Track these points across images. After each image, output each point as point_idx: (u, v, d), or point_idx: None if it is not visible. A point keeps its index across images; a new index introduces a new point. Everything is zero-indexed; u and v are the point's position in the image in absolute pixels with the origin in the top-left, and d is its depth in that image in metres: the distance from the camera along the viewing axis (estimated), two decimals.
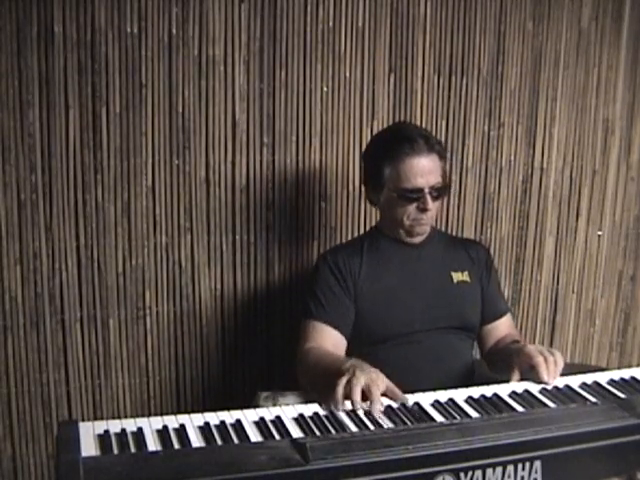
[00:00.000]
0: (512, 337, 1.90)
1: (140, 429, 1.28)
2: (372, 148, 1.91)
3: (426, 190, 1.78)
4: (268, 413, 1.38)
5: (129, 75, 2.04)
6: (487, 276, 1.96)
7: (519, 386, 1.58)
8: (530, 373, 1.61)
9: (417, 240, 1.88)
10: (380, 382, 1.44)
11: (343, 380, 1.43)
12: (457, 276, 1.90)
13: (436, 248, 1.93)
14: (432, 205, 1.79)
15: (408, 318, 1.82)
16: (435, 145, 1.80)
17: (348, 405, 1.41)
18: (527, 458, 1.22)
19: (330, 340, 1.77)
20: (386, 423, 1.36)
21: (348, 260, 1.85)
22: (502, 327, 1.95)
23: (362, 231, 2.34)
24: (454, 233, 2.45)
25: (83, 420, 1.29)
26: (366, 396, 1.42)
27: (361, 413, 1.38)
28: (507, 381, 1.63)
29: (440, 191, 1.82)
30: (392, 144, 1.81)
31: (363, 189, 2.00)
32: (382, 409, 1.40)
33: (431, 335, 1.83)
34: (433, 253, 1.92)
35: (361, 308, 1.83)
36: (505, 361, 1.72)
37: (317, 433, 1.30)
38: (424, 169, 1.77)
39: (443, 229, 2.45)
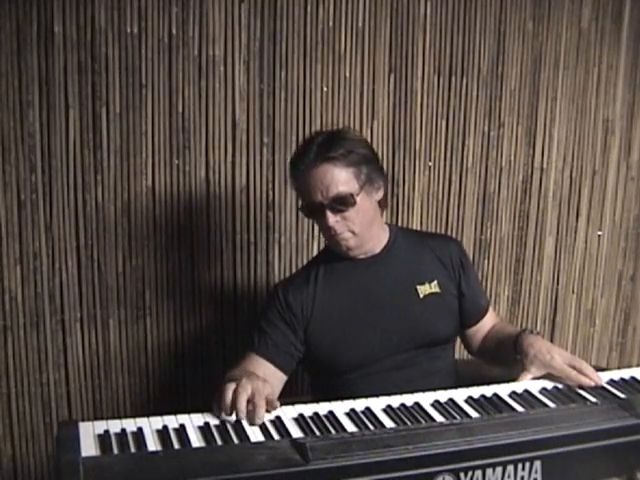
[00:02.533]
0: (502, 327, 1.83)
1: (140, 429, 1.28)
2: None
3: (325, 204, 1.61)
4: (268, 413, 1.38)
5: (129, 75, 2.05)
6: (465, 276, 1.80)
7: (519, 386, 1.58)
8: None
9: (357, 253, 1.71)
10: (264, 391, 1.40)
11: (231, 387, 1.37)
12: (424, 289, 1.74)
13: (396, 260, 1.75)
14: (337, 219, 1.62)
15: (370, 345, 1.69)
16: (331, 152, 1.60)
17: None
18: (527, 458, 1.22)
19: (263, 372, 1.62)
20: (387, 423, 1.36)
21: (300, 294, 1.71)
22: (488, 323, 1.86)
23: None
24: (453, 233, 2.45)
25: (83, 420, 1.29)
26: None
27: (244, 422, 1.34)
28: (506, 381, 1.63)
29: (345, 203, 1.61)
30: (293, 160, 1.69)
31: None
32: (263, 419, 1.35)
33: (398, 360, 1.70)
34: (393, 267, 1.74)
35: (317, 341, 1.70)
36: (517, 357, 1.65)
37: (317, 433, 1.30)
38: (316, 182, 1.60)
39: (443, 230, 2.46)
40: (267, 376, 1.60)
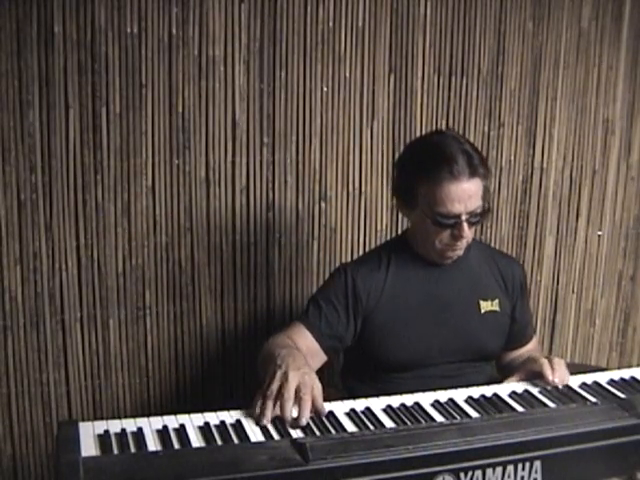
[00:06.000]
0: (529, 353, 1.83)
1: (140, 429, 1.28)
2: (408, 161, 1.71)
3: (463, 217, 1.60)
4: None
5: (129, 75, 2.04)
6: (520, 302, 1.83)
7: (519, 386, 1.58)
8: (538, 377, 1.60)
9: (448, 262, 1.73)
10: (311, 386, 1.38)
11: (274, 388, 1.36)
12: (486, 305, 1.76)
13: (468, 270, 1.77)
14: (468, 232, 1.62)
15: (424, 349, 1.71)
16: (479, 167, 1.60)
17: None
18: (527, 458, 1.22)
19: (307, 345, 1.64)
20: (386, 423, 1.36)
21: (370, 280, 1.71)
22: (524, 352, 1.86)
23: (362, 231, 2.35)
24: None
25: (83, 420, 1.29)
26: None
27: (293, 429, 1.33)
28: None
29: (479, 216, 1.64)
30: (430, 163, 1.61)
31: (395, 199, 1.81)
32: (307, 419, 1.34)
33: (447, 368, 1.72)
34: (464, 276, 1.76)
35: (375, 333, 1.70)
36: (514, 370, 1.71)
37: (317, 433, 1.30)
38: (463, 195, 1.58)
39: None
40: (309, 351, 1.62)
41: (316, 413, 1.37)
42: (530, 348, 1.88)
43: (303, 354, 1.56)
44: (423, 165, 1.63)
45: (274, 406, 1.35)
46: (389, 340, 1.70)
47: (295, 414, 1.34)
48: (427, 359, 1.71)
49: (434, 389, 1.59)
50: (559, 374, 1.57)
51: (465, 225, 1.61)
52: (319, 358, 1.67)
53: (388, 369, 1.72)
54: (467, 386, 1.64)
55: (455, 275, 1.76)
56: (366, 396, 1.51)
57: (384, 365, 1.72)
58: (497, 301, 1.78)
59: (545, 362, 1.59)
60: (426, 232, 1.67)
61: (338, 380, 1.90)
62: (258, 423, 1.33)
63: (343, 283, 1.71)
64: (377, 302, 1.71)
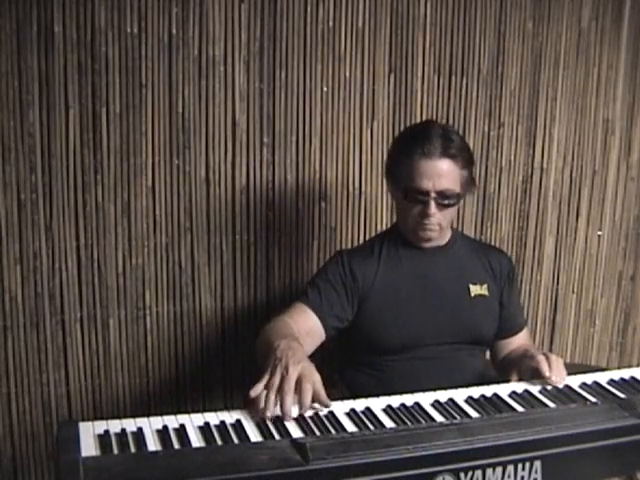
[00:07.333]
0: (525, 347, 1.85)
1: (140, 429, 1.28)
2: (395, 142, 1.85)
3: (432, 194, 1.68)
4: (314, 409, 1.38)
5: (129, 75, 2.04)
6: (508, 290, 1.88)
7: (519, 386, 1.58)
8: (536, 375, 1.60)
9: (427, 245, 1.80)
10: (311, 378, 1.39)
11: (275, 381, 1.37)
12: (475, 289, 1.82)
13: (456, 257, 1.84)
14: (435, 211, 1.69)
15: (418, 331, 1.76)
16: (455, 151, 1.69)
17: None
18: (527, 458, 1.22)
19: (309, 324, 1.69)
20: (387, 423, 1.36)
21: (364, 265, 1.79)
22: (518, 341, 1.90)
23: (362, 231, 2.35)
24: None
25: (83, 420, 1.29)
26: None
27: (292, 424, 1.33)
28: (507, 381, 1.64)
29: (450, 199, 1.70)
30: (409, 141, 1.74)
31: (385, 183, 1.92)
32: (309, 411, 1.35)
33: (441, 350, 1.77)
34: (452, 262, 1.83)
35: (369, 316, 1.76)
36: (512, 367, 1.73)
37: (317, 433, 1.30)
38: (433, 172, 1.67)
39: None
40: (310, 330, 1.68)
41: (320, 404, 1.39)
42: (522, 338, 1.92)
43: (303, 334, 1.61)
44: (403, 144, 1.76)
45: (276, 399, 1.35)
46: (383, 323, 1.75)
47: (295, 413, 1.35)
48: (421, 341, 1.76)
49: (429, 371, 1.65)
50: (556, 372, 1.58)
51: (432, 203, 1.69)
52: (318, 337, 1.72)
53: (383, 352, 1.76)
54: (462, 369, 1.71)
55: (444, 261, 1.82)
56: (364, 385, 1.52)
57: (380, 348, 1.77)
58: (486, 286, 1.84)
59: (542, 359, 1.60)
60: (401, 210, 1.79)
61: (338, 378, 1.91)
62: (261, 416, 1.34)
63: (340, 265, 1.79)
64: (371, 287, 1.77)
